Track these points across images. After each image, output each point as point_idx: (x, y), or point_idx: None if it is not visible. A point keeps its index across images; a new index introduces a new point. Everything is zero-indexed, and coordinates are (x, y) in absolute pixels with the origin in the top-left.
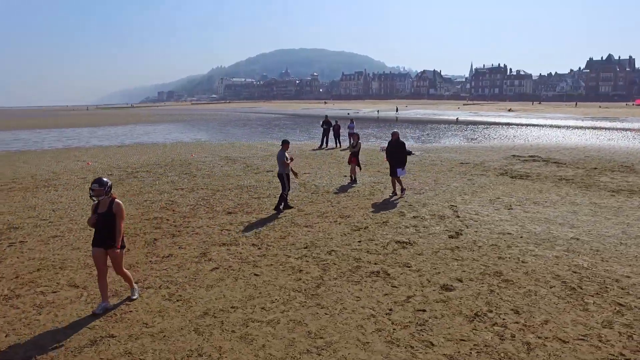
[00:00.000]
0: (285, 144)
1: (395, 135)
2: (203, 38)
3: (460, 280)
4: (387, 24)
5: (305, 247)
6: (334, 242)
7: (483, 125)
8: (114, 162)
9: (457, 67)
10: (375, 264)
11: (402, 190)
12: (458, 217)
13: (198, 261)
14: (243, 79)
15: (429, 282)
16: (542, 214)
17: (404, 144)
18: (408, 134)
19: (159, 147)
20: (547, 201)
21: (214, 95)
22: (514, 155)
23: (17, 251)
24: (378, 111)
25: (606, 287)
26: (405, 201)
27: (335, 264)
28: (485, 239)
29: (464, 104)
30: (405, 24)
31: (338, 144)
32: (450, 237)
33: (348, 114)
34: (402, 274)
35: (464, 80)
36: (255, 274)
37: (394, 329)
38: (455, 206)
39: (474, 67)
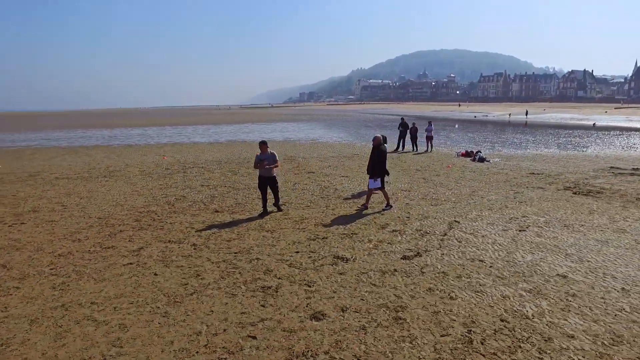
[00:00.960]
0: (261, 145)
1: (376, 141)
2: (346, 41)
3: (343, 310)
4: (537, 21)
5: (237, 252)
6: (272, 250)
7: (619, 132)
8: (185, 157)
9: (619, 67)
10: (280, 278)
11: (387, 205)
12: (445, 235)
13: (126, 255)
14: (380, 81)
15: (307, 306)
16: (557, 241)
17: (385, 153)
18: (512, 140)
19: (247, 146)
20: (584, 225)
21: (351, 97)
22: (612, 167)
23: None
24: (510, 115)
25: (520, 347)
26: (405, 212)
27: (240, 273)
28: (444, 264)
29: (615, 107)
30: (559, 19)
31: (414, 147)
32: (404, 257)
33: (475, 117)
34: (290, 292)
35: (622, 80)
36: (155, 274)
37: (198, 352)
38: (458, 222)
39: (638, 65)
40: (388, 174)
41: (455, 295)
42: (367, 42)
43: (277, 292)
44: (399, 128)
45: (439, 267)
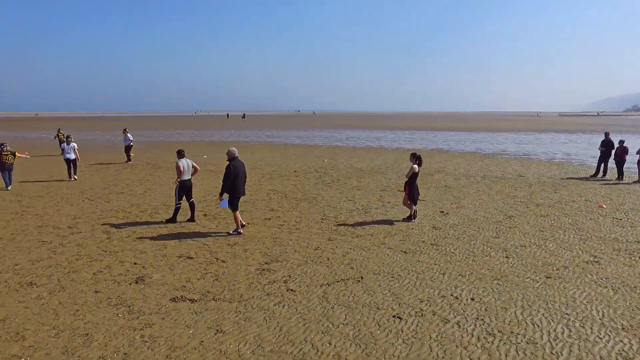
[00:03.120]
0: (178, 154)
1: (229, 155)
2: None
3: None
4: None
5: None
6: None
7: None
8: (345, 161)
9: None
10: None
11: (235, 230)
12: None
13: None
14: None
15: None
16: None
17: (237, 170)
18: None
19: (462, 157)
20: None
21: None
22: None
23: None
24: None
25: None
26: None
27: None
28: (307, 286)
29: None
30: None
31: (619, 175)
32: (284, 281)
33: None
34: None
35: None
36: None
37: None
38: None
39: None
40: (237, 195)
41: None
42: None
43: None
44: (599, 148)
45: (306, 290)
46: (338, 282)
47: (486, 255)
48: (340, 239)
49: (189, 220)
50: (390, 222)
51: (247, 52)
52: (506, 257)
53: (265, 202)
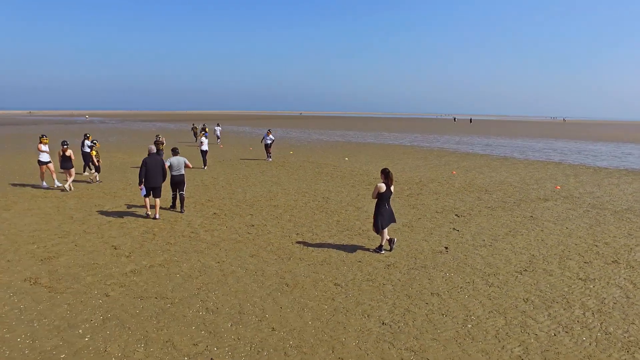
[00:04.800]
0: (172, 151)
1: (149, 150)
2: None
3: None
4: None
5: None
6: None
7: None
8: (471, 178)
9: None
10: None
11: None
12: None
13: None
14: None
15: None
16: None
17: (152, 162)
18: None
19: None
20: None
21: None
22: None
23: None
24: None
25: None
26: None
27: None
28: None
29: None
30: None
31: None
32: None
33: None
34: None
35: None
36: None
37: None
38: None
39: None
40: (140, 184)
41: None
42: None
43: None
44: None
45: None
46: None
47: None
48: (262, 260)
49: (171, 207)
50: (352, 249)
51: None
52: None
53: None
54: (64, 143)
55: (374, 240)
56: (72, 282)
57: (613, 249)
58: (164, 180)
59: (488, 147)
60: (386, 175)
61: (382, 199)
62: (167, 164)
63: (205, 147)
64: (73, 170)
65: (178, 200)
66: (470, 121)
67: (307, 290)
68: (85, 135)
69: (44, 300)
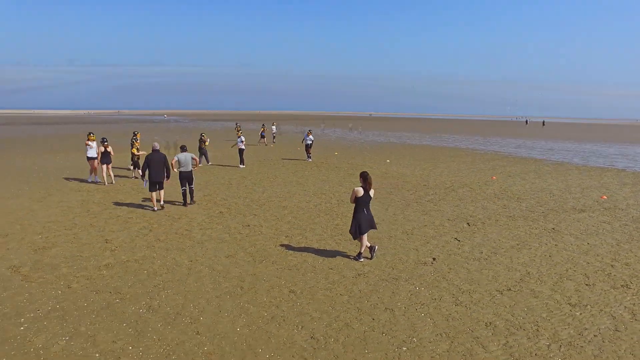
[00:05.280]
0: (180, 148)
1: (152, 148)
2: None
3: None
4: None
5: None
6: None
7: None
8: (509, 185)
9: None
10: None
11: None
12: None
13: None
14: None
15: None
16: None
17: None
18: None
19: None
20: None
21: None
22: None
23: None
24: None
25: None
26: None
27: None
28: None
29: None
30: None
31: None
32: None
33: None
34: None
35: None
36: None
37: None
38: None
39: None
40: (143, 177)
41: None
42: None
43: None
44: None
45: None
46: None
47: None
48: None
49: (183, 204)
50: (333, 255)
51: None
52: None
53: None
54: (103, 140)
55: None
56: (47, 272)
57: (631, 271)
58: (167, 175)
59: (549, 151)
60: (364, 179)
61: (360, 203)
62: (174, 159)
63: (241, 146)
64: (110, 166)
65: (188, 194)
66: (543, 124)
67: (258, 295)
68: (134, 133)
69: (12, 288)
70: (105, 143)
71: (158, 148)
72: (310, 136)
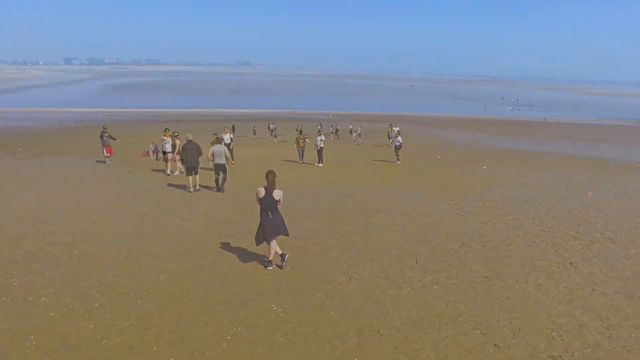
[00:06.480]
0: (216, 140)
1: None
2: None
3: None
4: None
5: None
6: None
7: None
8: (593, 204)
9: None
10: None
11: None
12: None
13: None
14: None
15: None
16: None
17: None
18: None
19: None
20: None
21: None
22: None
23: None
24: None
25: None
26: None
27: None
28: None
29: None
30: None
31: None
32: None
33: None
34: None
35: None
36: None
37: None
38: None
39: None
40: (187, 166)
41: None
42: None
43: None
44: None
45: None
46: None
47: None
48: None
49: (215, 189)
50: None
51: None
52: None
53: None
54: (174, 134)
55: (299, 250)
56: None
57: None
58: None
59: None
60: (266, 178)
61: (262, 206)
62: (210, 153)
63: (320, 144)
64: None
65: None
66: None
67: (129, 290)
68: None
69: None
70: (176, 136)
71: (192, 138)
72: (399, 137)
